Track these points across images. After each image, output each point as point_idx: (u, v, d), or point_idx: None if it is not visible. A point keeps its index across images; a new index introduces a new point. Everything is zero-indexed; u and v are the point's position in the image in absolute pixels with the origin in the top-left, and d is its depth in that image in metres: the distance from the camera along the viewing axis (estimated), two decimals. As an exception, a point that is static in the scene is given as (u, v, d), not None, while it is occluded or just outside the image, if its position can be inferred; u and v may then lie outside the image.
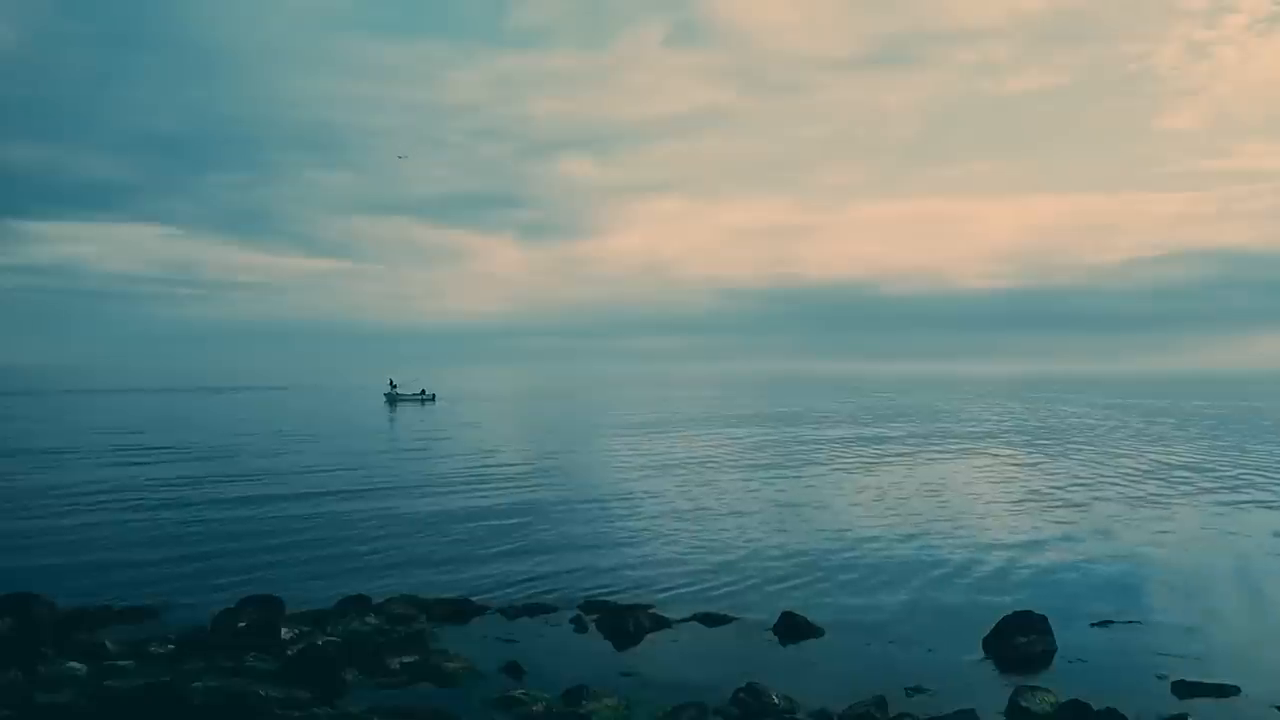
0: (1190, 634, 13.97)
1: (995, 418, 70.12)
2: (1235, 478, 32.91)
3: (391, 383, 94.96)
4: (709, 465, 37.15)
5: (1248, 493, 29.22)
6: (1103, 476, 33.20)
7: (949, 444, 46.95)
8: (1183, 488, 30.25)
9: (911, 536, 21.58)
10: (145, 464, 35.72)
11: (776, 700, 10.63)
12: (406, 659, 12.04)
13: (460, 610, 14.80)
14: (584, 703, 10.44)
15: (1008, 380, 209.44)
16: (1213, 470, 35.19)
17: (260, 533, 21.70)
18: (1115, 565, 18.67)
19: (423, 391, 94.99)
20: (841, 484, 31.31)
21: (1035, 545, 20.60)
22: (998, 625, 13.25)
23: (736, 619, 14.62)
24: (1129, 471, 34.76)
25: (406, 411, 77.14)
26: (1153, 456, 40.42)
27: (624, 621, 14.00)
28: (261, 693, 10.28)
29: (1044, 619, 13.23)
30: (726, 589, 16.59)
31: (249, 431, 53.78)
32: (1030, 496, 28.40)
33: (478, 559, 19.06)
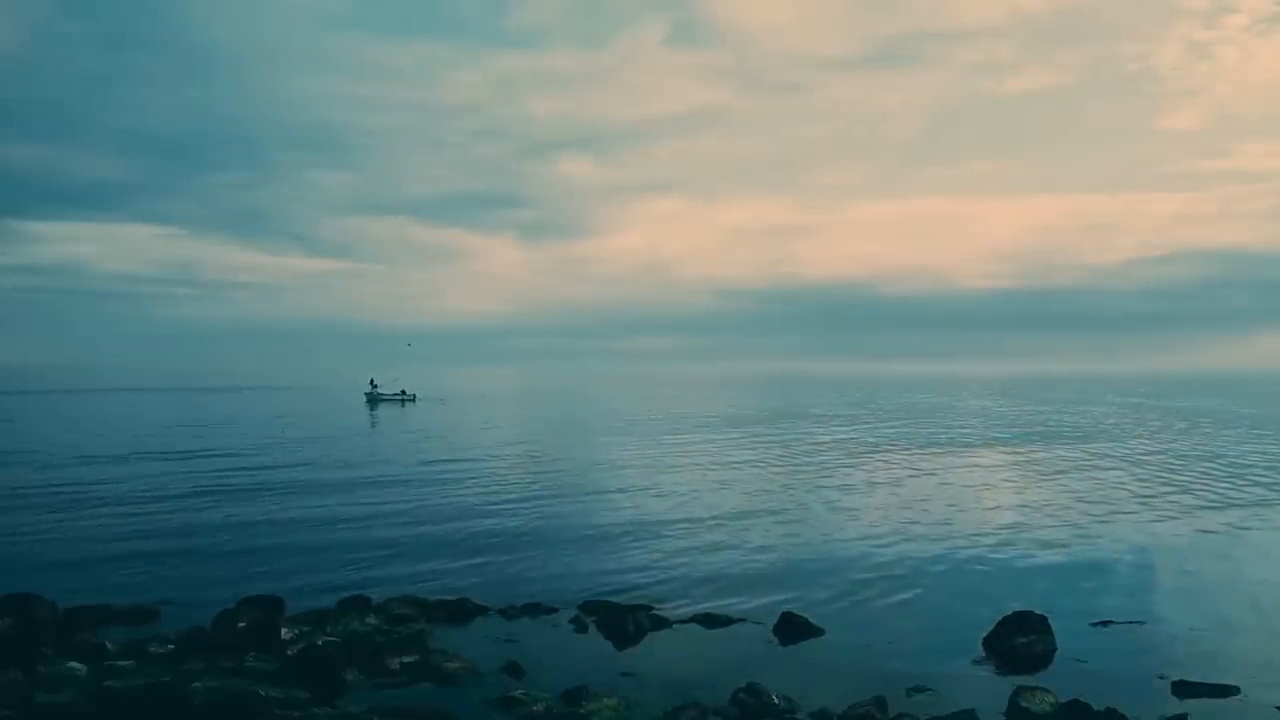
0: (1190, 634, 13.97)
1: (996, 417, 70.14)
2: (1238, 478, 32.89)
3: (372, 382, 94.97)
4: (708, 465, 37.14)
5: (1252, 492, 29.21)
6: (1101, 476, 33.20)
7: (951, 445, 46.95)
8: (1185, 488, 30.24)
9: (911, 536, 21.58)
10: (146, 464, 35.74)
11: (776, 700, 10.63)
12: (406, 659, 12.03)
13: (460, 610, 14.80)
14: (584, 703, 10.43)
15: (1009, 380, 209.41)
16: (1216, 470, 35.17)
17: (260, 533, 21.71)
18: (1115, 565, 18.67)
19: (403, 392, 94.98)
20: (842, 484, 31.29)
21: (1035, 545, 20.60)
22: (998, 625, 13.25)
23: (736, 619, 14.62)
24: (1128, 471, 34.74)
25: (388, 412, 76.93)
26: (1155, 456, 40.42)
27: (624, 621, 14.00)
28: (261, 693, 10.28)
29: (1044, 619, 13.23)
30: (726, 589, 16.59)
31: (249, 432, 53.80)
32: (1030, 497, 28.40)
33: (478, 559, 19.06)
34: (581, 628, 14.18)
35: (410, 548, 20.13)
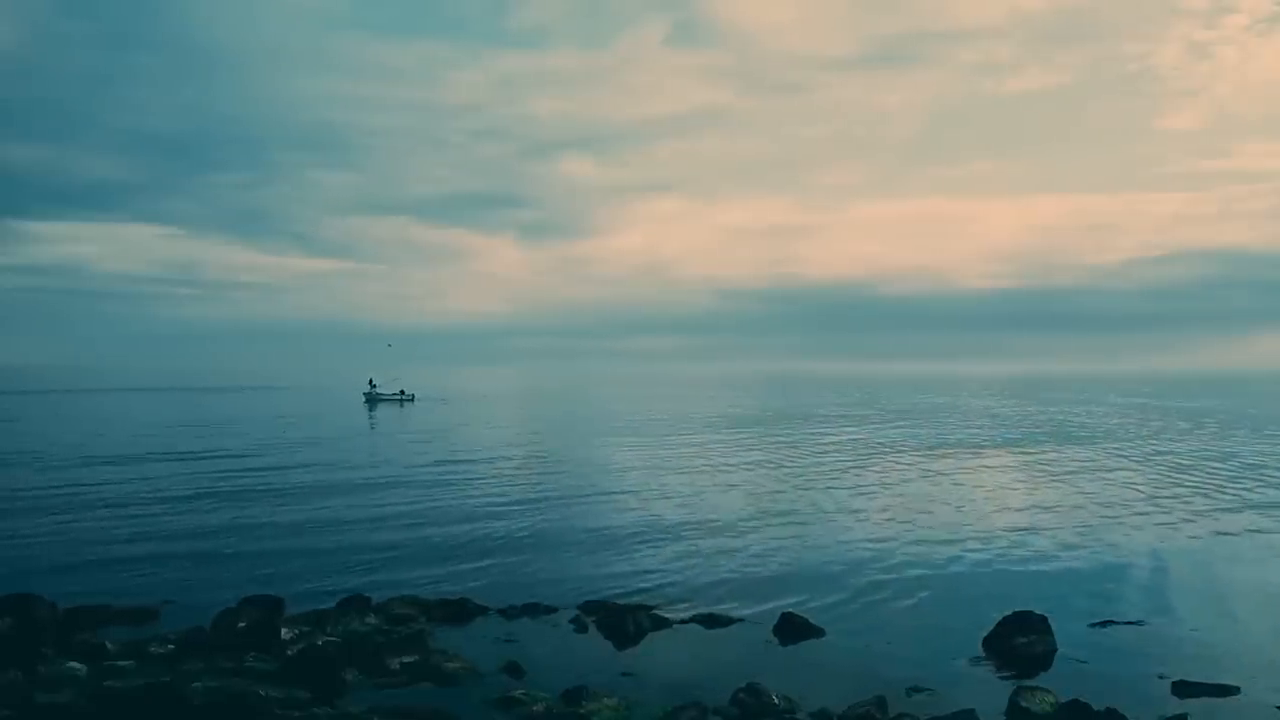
0: (1190, 634, 13.96)
1: (999, 418, 70.11)
2: (1242, 479, 32.87)
3: (371, 382, 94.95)
4: (708, 466, 37.14)
5: (1253, 493, 29.18)
6: (1102, 476, 33.18)
7: (952, 445, 46.94)
8: (1186, 488, 30.22)
9: (912, 537, 21.57)
10: (146, 464, 35.73)
11: (776, 700, 10.62)
12: (406, 659, 12.03)
13: (460, 610, 14.80)
14: (584, 703, 10.43)
15: (1009, 380, 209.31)
16: (1219, 471, 35.15)
17: (260, 533, 21.71)
18: (1115, 565, 18.66)
19: (402, 392, 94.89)
20: (842, 485, 31.28)
21: (1035, 545, 20.59)
22: (998, 625, 13.24)
23: (736, 619, 14.61)
24: (1129, 471, 34.73)
25: (387, 412, 76.79)
26: (1156, 456, 40.41)
27: (624, 621, 13.99)
28: (261, 693, 10.28)
29: (1044, 619, 13.21)
30: (726, 589, 16.58)
31: (249, 432, 53.81)
32: (1031, 497, 28.40)
33: (478, 559, 19.06)
34: (581, 628, 14.17)
35: (410, 548, 20.12)
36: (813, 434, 54.02)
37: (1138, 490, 29.62)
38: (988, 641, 13.10)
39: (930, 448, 44.67)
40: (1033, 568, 18.47)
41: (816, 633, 13.86)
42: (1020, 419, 68.61)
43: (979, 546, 20.44)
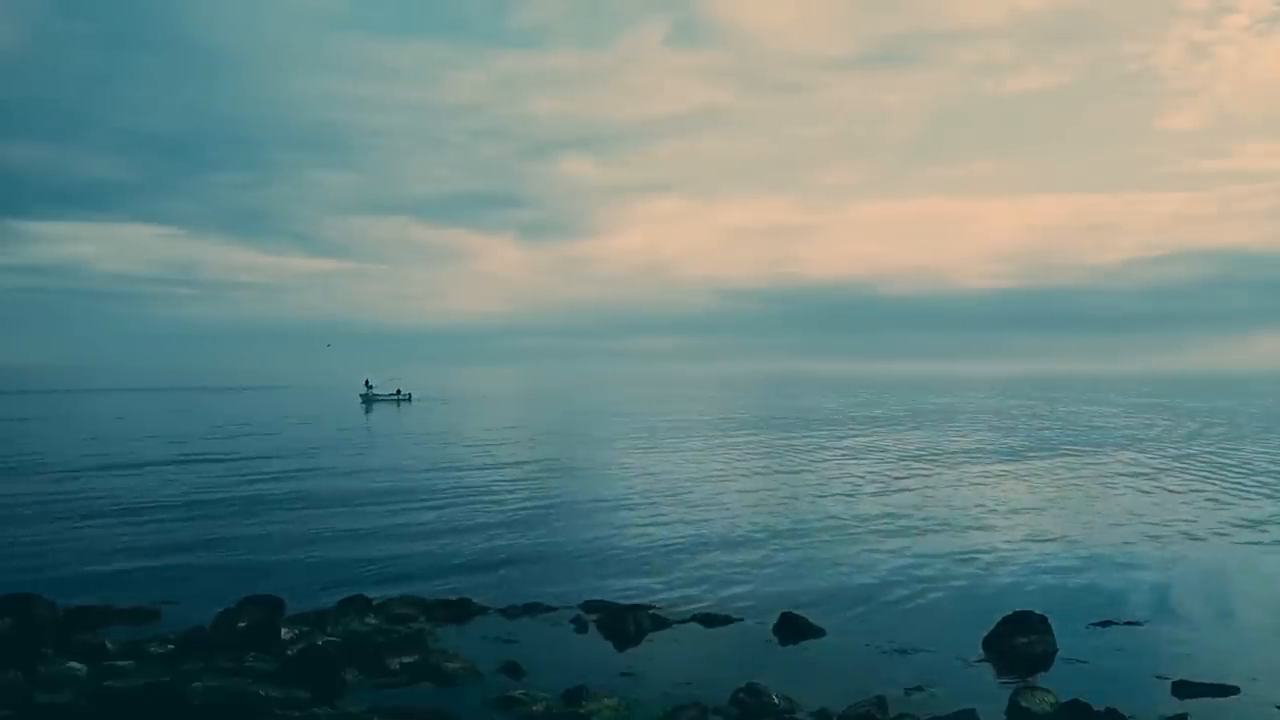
0: (1190, 634, 13.97)
1: (1002, 419, 70.12)
2: (1241, 478, 32.87)
3: (367, 383, 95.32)
4: (709, 467, 37.13)
5: (1252, 491, 29.18)
6: (1100, 476, 33.18)
7: (953, 447, 46.94)
8: (1184, 487, 30.23)
9: (912, 537, 21.58)
10: (145, 464, 35.73)
11: (776, 700, 10.63)
12: (406, 659, 12.04)
13: (460, 610, 14.81)
14: (584, 703, 10.43)
15: (1009, 380, 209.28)
16: (1216, 469, 35.15)
17: (260, 533, 21.71)
18: (1115, 565, 18.66)
19: (398, 392, 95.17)
20: (843, 486, 31.28)
21: (1035, 545, 20.59)
22: (998, 625, 13.24)
23: (736, 619, 14.61)
24: (1127, 471, 34.73)
25: (384, 413, 76.77)
26: (1156, 456, 40.39)
27: (624, 621, 14.00)
28: (261, 693, 10.29)
29: (1044, 619, 13.22)
30: (726, 589, 16.58)
31: (248, 433, 53.81)
32: (1030, 497, 28.40)
33: (477, 559, 19.06)
34: (581, 628, 14.18)
35: (410, 547, 20.13)
36: (813, 435, 54.03)
37: (1138, 491, 29.60)
38: (988, 641, 13.10)
39: (932, 449, 44.67)
40: (1033, 568, 18.46)
41: (816, 633, 13.86)
42: (1022, 419, 68.57)
43: (979, 547, 20.43)
